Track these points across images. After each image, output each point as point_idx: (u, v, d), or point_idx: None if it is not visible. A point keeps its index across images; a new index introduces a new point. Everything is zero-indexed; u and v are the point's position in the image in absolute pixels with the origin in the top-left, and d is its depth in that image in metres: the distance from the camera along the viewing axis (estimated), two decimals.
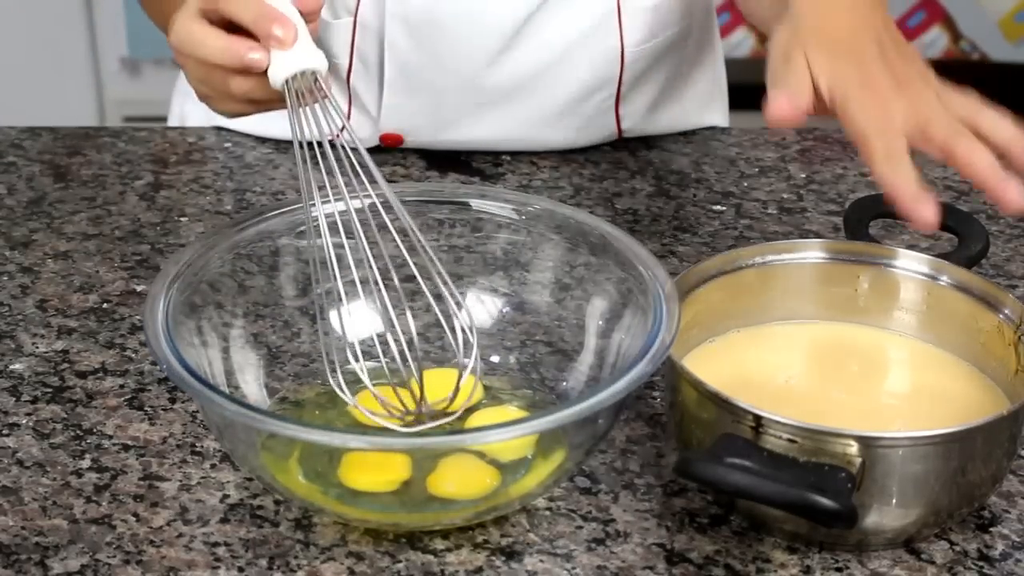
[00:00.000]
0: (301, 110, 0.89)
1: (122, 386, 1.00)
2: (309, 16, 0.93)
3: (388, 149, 1.30)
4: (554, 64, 1.24)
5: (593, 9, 1.23)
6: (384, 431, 0.88)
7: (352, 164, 0.88)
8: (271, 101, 0.92)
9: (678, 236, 1.18)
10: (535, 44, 1.24)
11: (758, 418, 0.82)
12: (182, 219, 1.20)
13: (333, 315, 0.93)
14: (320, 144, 0.88)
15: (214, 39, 0.92)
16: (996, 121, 0.90)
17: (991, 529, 0.89)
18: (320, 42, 1.25)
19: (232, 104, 0.96)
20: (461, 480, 0.86)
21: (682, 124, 1.35)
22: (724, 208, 1.23)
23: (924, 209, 0.88)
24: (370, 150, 1.30)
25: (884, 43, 0.94)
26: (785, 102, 0.89)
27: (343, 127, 0.89)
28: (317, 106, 0.89)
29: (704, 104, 1.36)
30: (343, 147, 0.88)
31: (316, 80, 0.90)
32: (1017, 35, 3.40)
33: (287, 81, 0.89)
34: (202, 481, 0.91)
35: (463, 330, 0.88)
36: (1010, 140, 0.90)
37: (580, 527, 0.88)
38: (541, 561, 0.85)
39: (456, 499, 0.86)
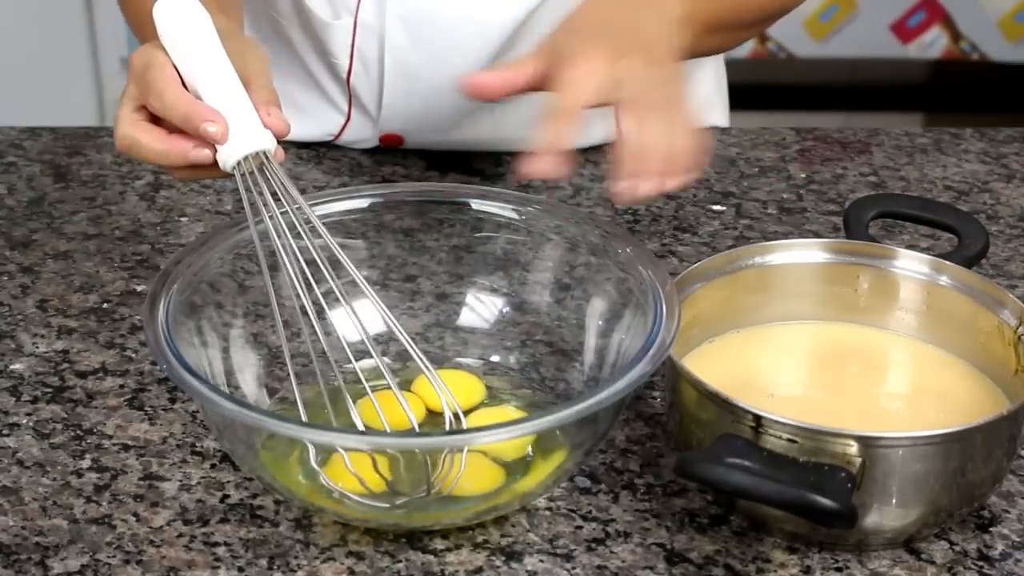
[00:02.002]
0: (254, 189, 0.88)
1: (122, 386, 1.00)
2: (259, 93, 0.91)
3: (388, 149, 1.30)
4: None
5: None
6: (384, 431, 0.88)
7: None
8: (230, 175, 0.91)
9: (678, 236, 1.18)
10: (535, 44, 1.23)
11: (758, 418, 0.82)
12: (182, 219, 1.20)
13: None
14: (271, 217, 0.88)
15: (154, 142, 0.90)
16: (678, 127, 0.92)
17: (991, 529, 0.89)
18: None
19: (195, 179, 0.96)
20: (467, 477, 0.86)
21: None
22: (724, 208, 1.23)
23: (537, 161, 0.89)
24: (370, 151, 1.31)
25: (626, 32, 0.96)
26: (482, 76, 0.96)
27: (297, 206, 0.88)
28: (270, 181, 0.88)
29: (704, 104, 1.36)
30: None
31: (266, 158, 0.89)
32: (1017, 35, 3.40)
33: (238, 163, 0.89)
34: (202, 481, 0.91)
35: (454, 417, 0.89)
36: (674, 148, 0.91)
37: (580, 527, 0.88)
38: (541, 561, 0.85)
39: (464, 496, 0.86)
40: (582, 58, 0.93)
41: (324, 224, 0.89)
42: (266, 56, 0.95)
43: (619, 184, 0.90)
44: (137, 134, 0.91)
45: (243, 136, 0.88)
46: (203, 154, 0.89)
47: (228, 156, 0.88)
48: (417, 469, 0.87)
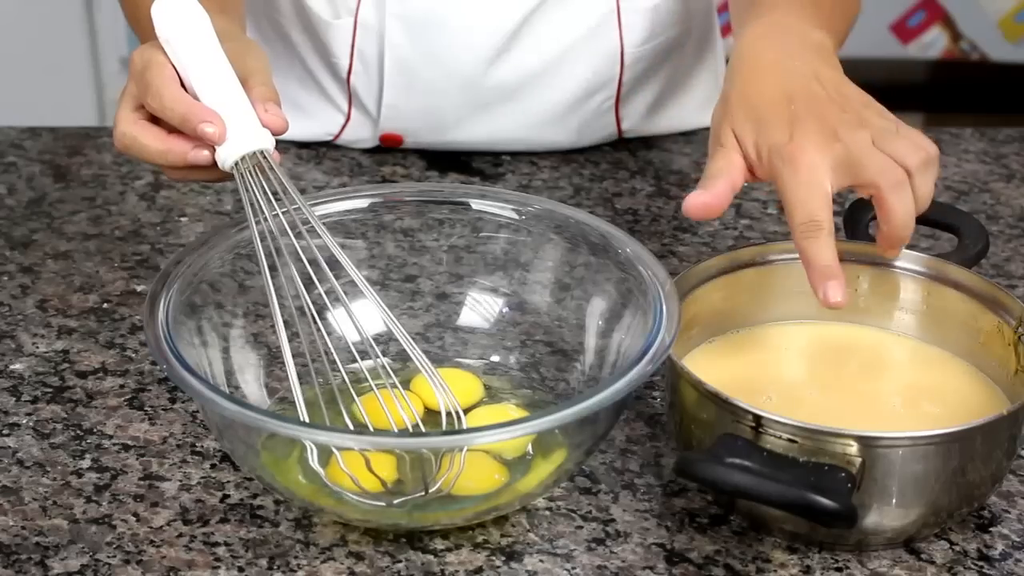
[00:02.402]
0: (254, 188, 0.88)
1: (122, 386, 1.00)
2: (257, 92, 0.91)
3: (388, 149, 1.30)
4: (554, 64, 1.24)
5: (592, 9, 1.23)
6: (385, 431, 0.88)
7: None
8: (227, 178, 0.91)
9: (678, 236, 1.18)
10: (535, 44, 1.24)
11: (758, 418, 0.82)
12: (182, 219, 1.20)
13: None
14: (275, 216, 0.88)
15: (153, 142, 0.90)
16: (925, 176, 0.89)
17: (991, 529, 0.89)
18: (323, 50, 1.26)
19: (192, 180, 0.96)
20: (468, 476, 0.86)
21: (682, 125, 1.35)
22: None
23: (830, 287, 0.86)
24: (370, 151, 1.31)
25: (815, 93, 0.91)
26: (700, 198, 0.88)
27: (296, 206, 0.88)
28: (270, 180, 0.88)
29: (704, 105, 1.36)
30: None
31: (264, 157, 0.89)
32: (1017, 35, 3.40)
33: (236, 163, 0.88)
34: (202, 481, 0.91)
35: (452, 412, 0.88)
36: (921, 200, 0.89)
37: (580, 527, 0.88)
38: (541, 561, 0.85)
39: (464, 496, 0.86)
40: (799, 153, 0.87)
41: (324, 224, 0.89)
42: (266, 57, 0.95)
43: (893, 251, 0.91)
44: (136, 133, 0.91)
45: (241, 136, 0.88)
46: (202, 155, 0.89)
47: (226, 156, 0.88)
48: (417, 469, 0.87)
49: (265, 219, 0.87)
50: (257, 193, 0.88)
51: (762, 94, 0.92)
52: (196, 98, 0.89)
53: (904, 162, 0.89)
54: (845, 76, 0.94)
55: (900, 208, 0.88)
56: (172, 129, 0.90)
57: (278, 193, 0.88)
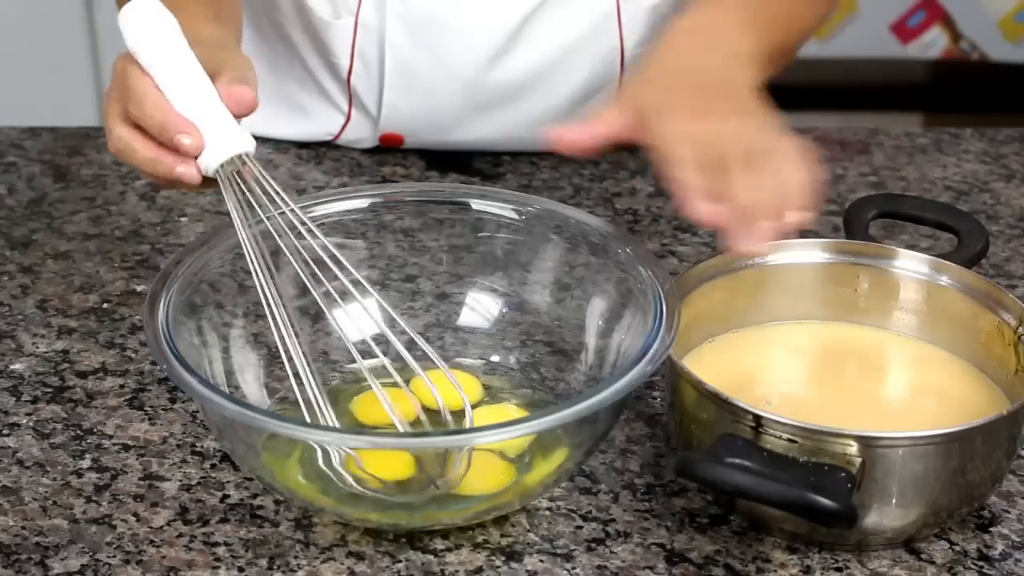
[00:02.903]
0: (236, 192, 0.87)
1: (122, 386, 1.00)
2: (239, 106, 0.89)
3: (388, 149, 1.30)
4: (554, 65, 1.24)
5: (592, 10, 1.23)
6: (385, 432, 0.88)
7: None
8: (216, 186, 0.90)
9: (678, 236, 1.18)
10: (535, 45, 1.24)
11: (758, 418, 0.82)
12: (182, 219, 1.20)
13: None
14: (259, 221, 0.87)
15: (143, 149, 0.89)
16: (790, 174, 0.91)
17: (991, 529, 0.89)
18: (321, 44, 1.26)
19: (181, 189, 0.95)
20: (475, 474, 0.86)
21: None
22: None
23: (701, 207, 0.89)
24: (370, 151, 1.31)
25: (709, 81, 0.97)
26: (569, 130, 0.95)
27: (287, 205, 0.88)
28: (253, 184, 0.88)
29: None
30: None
31: (246, 162, 0.88)
32: (1017, 35, 3.40)
33: (219, 168, 0.87)
34: (202, 481, 0.91)
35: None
36: (786, 196, 0.91)
37: (580, 527, 0.88)
38: (541, 561, 0.85)
39: (471, 495, 0.86)
40: (670, 116, 0.94)
41: (324, 224, 0.89)
42: (250, 62, 0.93)
43: (734, 243, 0.90)
44: (129, 137, 0.90)
45: (220, 141, 0.87)
46: (189, 173, 0.88)
47: (208, 163, 0.87)
48: (423, 468, 0.87)
49: (249, 224, 0.87)
50: (239, 199, 0.87)
51: (664, 73, 0.99)
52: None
53: (724, 157, 0.91)
54: (748, 80, 0.99)
55: (740, 194, 0.90)
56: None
57: (267, 195, 0.88)
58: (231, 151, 0.88)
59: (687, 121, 0.93)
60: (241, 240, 0.87)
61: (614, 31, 1.24)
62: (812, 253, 0.98)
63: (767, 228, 0.90)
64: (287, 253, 0.87)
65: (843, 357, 0.97)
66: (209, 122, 0.88)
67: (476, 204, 0.98)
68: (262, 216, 0.88)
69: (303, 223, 0.88)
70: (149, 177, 0.91)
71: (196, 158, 0.88)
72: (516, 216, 0.98)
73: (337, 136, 1.31)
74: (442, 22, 1.21)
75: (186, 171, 0.88)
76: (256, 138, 1.34)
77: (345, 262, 0.87)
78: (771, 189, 0.91)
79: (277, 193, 0.88)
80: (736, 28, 1.03)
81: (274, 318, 0.85)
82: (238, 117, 0.89)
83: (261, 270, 0.86)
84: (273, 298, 0.85)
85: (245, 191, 0.87)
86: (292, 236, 0.88)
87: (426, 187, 1.02)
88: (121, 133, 0.90)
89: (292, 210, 0.88)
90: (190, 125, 0.87)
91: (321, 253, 0.87)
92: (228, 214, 1.19)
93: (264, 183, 0.88)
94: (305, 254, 0.87)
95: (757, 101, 0.97)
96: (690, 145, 0.92)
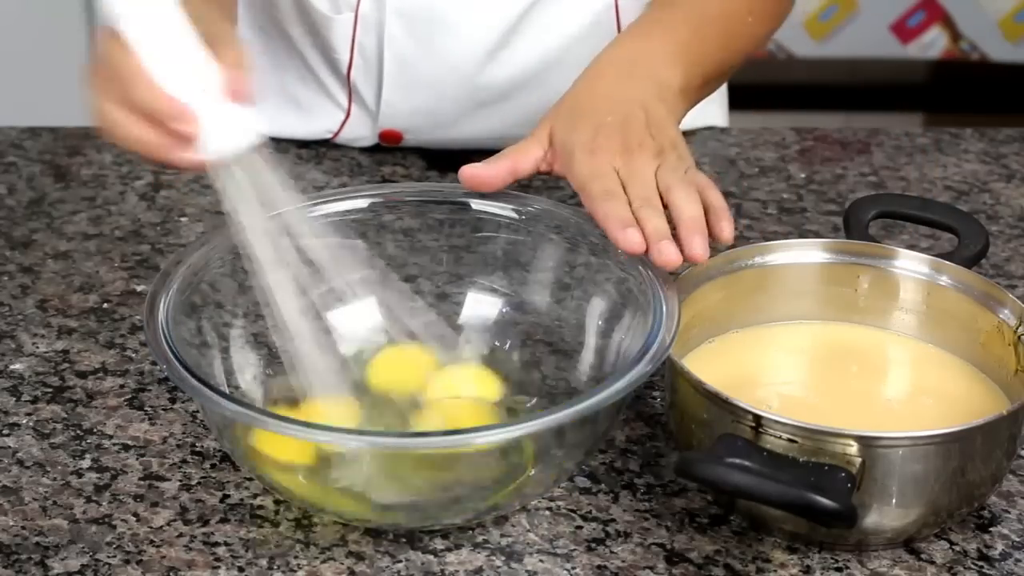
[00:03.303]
0: (240, 189, 0.85)
1: (122, 386, 1.00)
2: (238, 93, 0.85)
3: (388, 149, 1.30)
4: (553, 60, 1.24)
5: (591, 5, 1.23)
6: (385, 431, 0.88)
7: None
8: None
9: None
10: (534, 40, 1.24)
11: (758, 418, 0.82)
12: (182, 219, 1.20)
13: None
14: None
15: (139, 130, 0.85)
16: (688, 203, 0.92)
17: (991, 529, 0.89)
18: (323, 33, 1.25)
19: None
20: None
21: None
22: None
23: (629, 232, 0.90)
24: (369, 149, 1.31)
25: (634, 116, 0.97)
26: (474, 169, 0.96)
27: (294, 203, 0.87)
28: (260, 174, 0.86)
29: (702, 104, 1.36)
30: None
31: (254, 153, 0.85)
32: (1017, 35, 3.40)
33: (223, 160, 0.84)
34: (202, 481, 0.91)
35: None
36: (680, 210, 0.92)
37: (580, 527, 0.88)
38: (541, 561, 0.85)
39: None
40: (589, 152, 0.95)
41: (324, 224, 0.89)
42: (247, 47, 0.89)
43: (659, 261, 0.91)
44: (121, 115, 0.85)
45: (224, 128, 0.84)
46: (190, 160, 0.84)
47: (212, 150, 0.84)
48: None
49: (243, 224, 0.86)
50: (243, 194, 0.85)
51: (587, 104, 0.99)
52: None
53: (669, 186, 0.93)
54: (673, 115, 1.00)
55: (648, 223, 0.90)
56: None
57: (273, 191, 0.86)
58: (234, 147, 0.84)
59: (606, 158, 0.95)
60: (243, 236, 0.86)
61: (612, 26, 1.24)
62: (812, 253, 0.98)
63: (698, 244, 0.90)
64: (301, 251, 0.87)
65: (843, 357, 0.97)
66: (209, 107, 0.83)
67: (476, 204, 0.98)
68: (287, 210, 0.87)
69: (308, 222, 0.88)
70: (146, 158, 0.87)
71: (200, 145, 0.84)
72: (516, 216, 0.98)
73: (337, 133, 1.31)
74: (441, 17, 1.22)
75: (185, 159, 0.85)
76: None
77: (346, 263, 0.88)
78: (694, 211, 0.91)
79: (282, 183, 0.86)
80: (664, 61, 1.04)
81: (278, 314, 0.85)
82: (248, 99, 0.85)
83: (264, 267, 0.86)
84: (278, 295, 0.85)
85: (252, 187, 0.85)
86: (290, 235, 0.87)
87: (426, 187, 1.01)
88: (112, 112, 0.86)
89: (299, 208, 0.87)
90: (185, 111, 0.83)
91: (322, 255, 0.87)
92: (227, 214, 1.19)
93: (270, 178, 0.86)
94: (308, 253, 0.87)
95: (677, 134, 0.98)
96: (610, 180, 0.93)
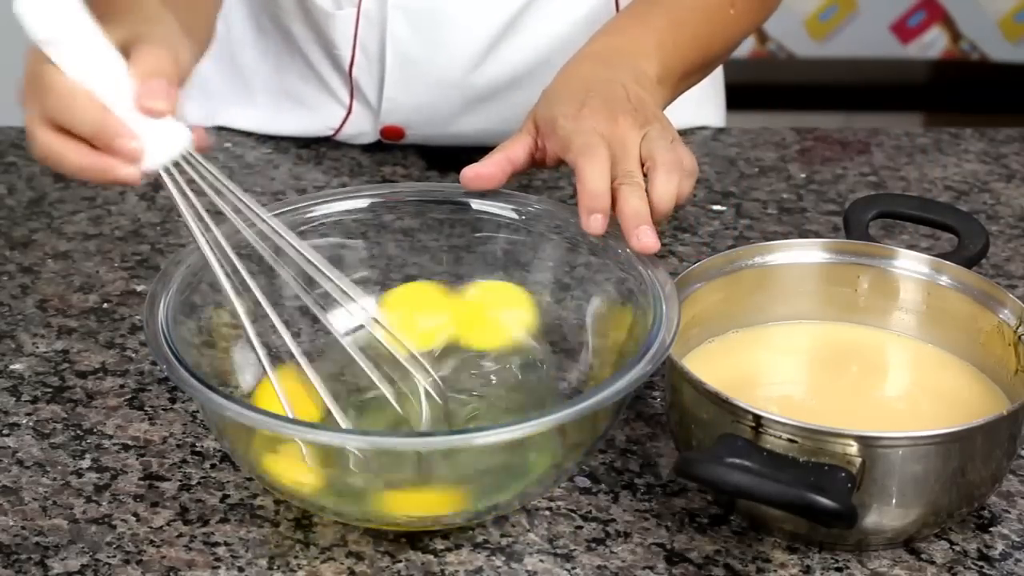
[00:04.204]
0: (181, 187, 0.84)
1: (122, 386, 1.00)
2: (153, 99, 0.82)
3: (388, 148, 1.30)
4: (553, 54, 1.24)
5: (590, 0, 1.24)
6: (384, 431, 0.88)
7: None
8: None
9: (678, 236, 1.18)
10: (534, 34, 1.24)
11: (758, 418, 0.82)
12: (182, 219, 1.19)
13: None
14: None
15: (76, 155, 0.82)
16: (670, 176, 0.93)
17: (991, 529, 0.89)
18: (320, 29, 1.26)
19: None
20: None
21: (677, 123, 1.35)
22: (724, 208, 1.23)
23: (592, 219, 0.91)
24: (371, 145, 1.31)
25: (614, 92, 0.98)
26: (474, 170, 0.97)
27: (241, 201, 0.86)
28: (202, 181, 0.84)
29: (700, 103, 1.36)
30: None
31: (188, 159, 0.83)
32: (1017, 35, 3.40)
33: (163, 168, 0.83)
34: (202, 481, 0.91)
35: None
36: (657, 200, 0.92)
37: (580, 527, 0.88)
38: (541, 561, 0.85)
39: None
40: (579, 119, 0.96)
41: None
42: (173, 39, 0.87)
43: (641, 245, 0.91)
44: (55, 141, 0.83)
45: (156, 137, 0.82)
46: (132, 176, 0.82)
47: (150, 162, 0.82)
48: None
49: (206, 225, 0.84)
50: (189, 199, 0.84)
51: (567, 88, 1.00)
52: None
53: (653, 155, 0.94)
54: (653, 99, 1.00)
55: (628, 200, 0.91)
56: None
57: (217, 192, 0.84)
58: (171, 154, 0.83)
59: (590, 123, 0.95)
60: (198, 241, 0.84)
61: (611, 18, 1.24)
62: (812, 253, 0.98)
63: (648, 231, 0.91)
64: (298, 248, 0.87)
65: (843, 357, 0.97)
66: (139, 119, 0.82)
67: (476, 204, 0.98)
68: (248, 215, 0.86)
69: (261, 219, 0.86)
70: (77, 177, 0.85)
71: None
72: (516, 216, 0.98)
73: (338, 130, 1.31)
74: (442, 11, 1.22)
75: (128, 175, 0.82)
76: (257, 138, 1.35)
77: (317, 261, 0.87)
78: (669, 193, 0.92)
79: (222, 181, 0.84)
80: (640, 52, 1.04)
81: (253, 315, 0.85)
82: (161, 112, 0.82)
83: (228, 270, 0.85)
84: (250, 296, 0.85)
85: (194, 190, 0.84)
86: (247, 229, 0.86)
87: (426, 187, 1.01)
88: (46, 139, 0.83)
89: (248, 206, 0.85)
90: (126, 130, 0.81)
91: (294, 243, 0.87)
92: (225, 214, 1.19)
93: (212, 179, 0.84)
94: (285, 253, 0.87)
95: (659, 111, 0.99)
96: (592, 136, 0.94)
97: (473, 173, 0.97)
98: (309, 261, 0.87)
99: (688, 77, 1.10)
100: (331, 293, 0.88)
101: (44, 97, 0.82)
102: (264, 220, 0.87)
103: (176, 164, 0.83)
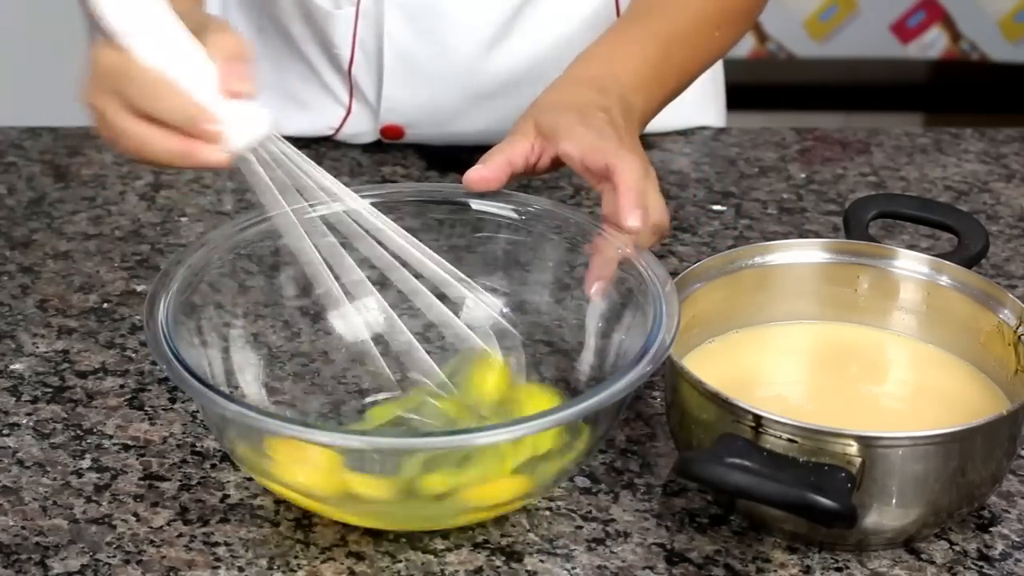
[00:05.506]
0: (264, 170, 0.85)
1: (122, 386, 1.00)
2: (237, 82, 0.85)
3: (388, 148, 1.30)
4: (554, 52, 1.24)
5: None
6: (383, 431, 0.88)
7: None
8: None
9: (678, 236, 1.18)
10: (534, 32, 1.24)
11: (758, 418, 0.82)
12: (182, 219, 1.20)
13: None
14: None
15: (166, 143, 0.85)
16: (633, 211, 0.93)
17: (991, 529, 0.89)
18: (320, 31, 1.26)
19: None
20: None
21: (677, 122, 1.35)
22: (724, 208, 1.23)
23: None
24: (371, 145, 1.31)
25: (614, 124, 0.98)
26: (478, 172, 0.96)
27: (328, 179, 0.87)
28: (286, 155, 0.86)
29: (700, 102, 1.36)
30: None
31: (275, 140, 0.85)
32: (1017, 35, 3.40)
33: (245, 150, 0.85)
34: (202, 481, 0.91)
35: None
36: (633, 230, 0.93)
37: (580, 527, 0.88)
38: (541, 561, 0.85)
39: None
40: (581, 125, 0.96)
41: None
42: (236, 31, 0.89)
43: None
44: (147, 134, 0.85)
45: (246, 122, 0.85)
46: (220, 158, 0.85)
47: (233, 145, 0.84)
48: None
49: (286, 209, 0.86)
50: (270, 180, 0.86)
51: (565, 102, 1.00)
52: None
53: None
54: (634, 136, 1.01)
55: (634, 176, 0.92)
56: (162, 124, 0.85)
57: (304, 173, 0.86)
58: (255, 132, 0.85)
59: (596, 126, 0.96)
60: (291, 225, 0.86)
61: (611, 17, 1.24)
62: (812, 253, 0.98)
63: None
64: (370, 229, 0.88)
65: (843, 357, 0.97)
66: (222, 103, 0.84)
67: (476, 204, 0.98)
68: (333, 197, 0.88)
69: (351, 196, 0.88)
70: (167, 166, 0.88)
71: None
72: (516, 216, 0.98)
73: (338, 130, 1.31)
74: (440, 9, 1.22)
75: (218, 158, 0.85)
76: None
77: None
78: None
79: (302, 157, 0.86)
80: (632, 88, 1.04)
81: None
82: (245, 94, 0.85)
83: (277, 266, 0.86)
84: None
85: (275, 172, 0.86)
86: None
87: (426, 187, 1.01)
88: (136, 129, 0.85)
89: (335, 184, 0.87)
90: (209, 111, 0.84)
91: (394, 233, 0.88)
92: (228, 214, 1.19)
93: (296, 160, 0.86)
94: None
95: (642, 151, 0.99)
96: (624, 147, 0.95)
97: (478, 176, 0.96)
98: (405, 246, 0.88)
99: (661, 108, 1.10)
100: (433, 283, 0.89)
101: (127, 88, 0.84)
102: (354, 199, 0.88)
103: (262, 156, 0.85)
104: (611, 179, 0.92)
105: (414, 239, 0.89)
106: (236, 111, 0.85)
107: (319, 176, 0.88)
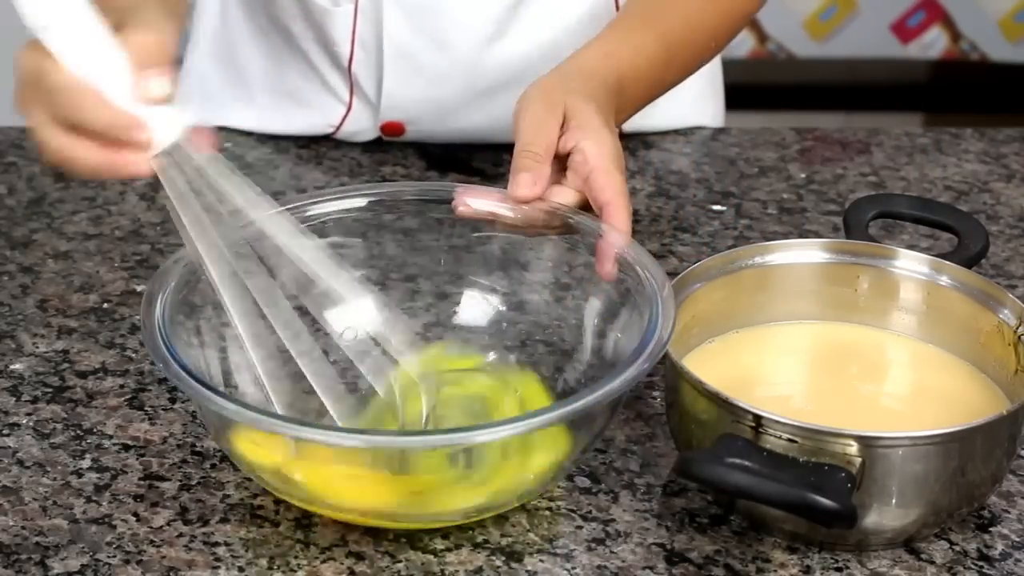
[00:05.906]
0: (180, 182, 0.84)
1: (122, 386, 1.00)
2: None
3: (388, 147, 1.30)
4: (553, 47, 1.24)
5: None
6: (384, 431, 0.88)
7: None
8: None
9: (678, 236, 1.19)
10: (533, 26, 1.24)
11: (758, 418, 0.82)
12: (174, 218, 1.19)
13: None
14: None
15: (89, 155, 0.82)
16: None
17: (991, 529, 0.89)
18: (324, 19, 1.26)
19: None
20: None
21: (676, 122, 1.35)
22: (724, 208, 1.23)
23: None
24: (371, 145, 1.31)
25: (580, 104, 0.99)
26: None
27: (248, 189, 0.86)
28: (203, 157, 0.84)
29: (699, 102, 1.36)
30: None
31: (188, 136, 0.83)
32: (1017, 35, 3.40)
33: (162, 154, 0.83)
34: (202, 481, 0.91)
35: None
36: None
37: (580, 527, 0.88)
38: (541, 561, 0.85)
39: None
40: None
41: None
42: (161, 25, 0.86)
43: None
44: (73, 146, 0.82)
45: (162, 127, 0.82)
46: (144, 167, 0.83)
47: (154, 150, 0.82)
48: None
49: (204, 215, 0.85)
50: (185, 186, 0.84)
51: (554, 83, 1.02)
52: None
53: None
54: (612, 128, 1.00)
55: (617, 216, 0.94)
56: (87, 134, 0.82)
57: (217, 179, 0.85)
58: (171, 134, 0.82)
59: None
60: (187, 236, 0.84)
61: (611, 12, 1.24)
62: (812, 253, 0.98)
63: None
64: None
65: (843, 357, 0.97)
66: (138, 106, 0.81)
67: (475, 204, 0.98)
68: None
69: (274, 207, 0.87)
70: (90, 176, 0.85)
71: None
72: (515, 216, 0.97)
73: (338, 128, 1.31)
74: (439, 5, 1.22)
75: (139, 166, 0.82)
76: (256, 137, 1.35)
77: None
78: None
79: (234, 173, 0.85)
80: (630, 100, 1.05)
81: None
82: (162, 99, 0.82)
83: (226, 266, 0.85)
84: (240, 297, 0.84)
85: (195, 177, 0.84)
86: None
87: (426, 187, 1.01)
88: (61, 142, 0.82)
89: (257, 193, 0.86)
90: (138, 122, 0.81)
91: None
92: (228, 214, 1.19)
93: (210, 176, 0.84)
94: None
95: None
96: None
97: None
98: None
99: (652, 100, 1.12)
100: (328, 292, 0.88)
101: (50, 98, 0.82)
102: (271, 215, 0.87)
103: (175, 162, 0.83)
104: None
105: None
106: (152, 114, 0.82)
107: (232, 192, 0.86)
